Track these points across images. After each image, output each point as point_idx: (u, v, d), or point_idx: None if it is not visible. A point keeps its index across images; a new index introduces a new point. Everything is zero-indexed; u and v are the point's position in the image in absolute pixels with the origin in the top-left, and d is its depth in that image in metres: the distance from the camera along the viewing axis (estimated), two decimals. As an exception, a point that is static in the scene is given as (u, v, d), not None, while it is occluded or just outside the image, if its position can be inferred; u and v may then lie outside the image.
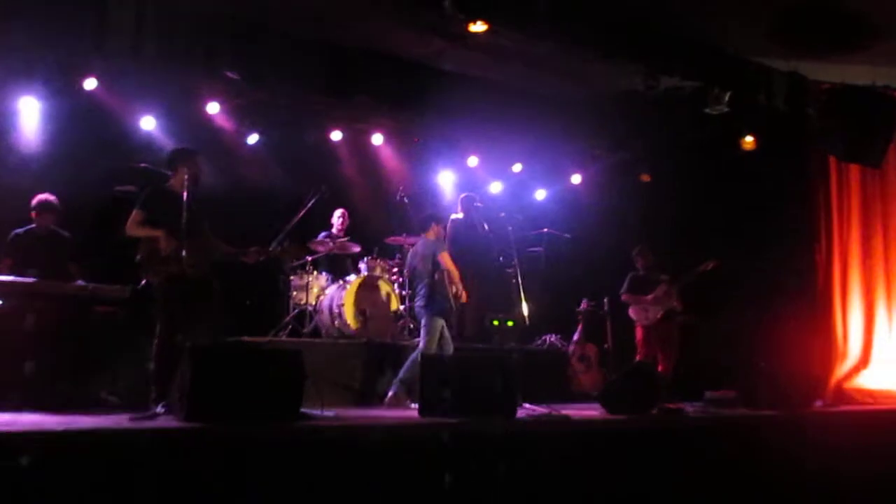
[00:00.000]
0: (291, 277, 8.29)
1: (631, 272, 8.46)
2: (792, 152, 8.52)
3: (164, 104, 7.94)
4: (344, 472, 4.35)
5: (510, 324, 8.72)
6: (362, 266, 8.34)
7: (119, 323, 6.08)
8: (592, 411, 6.38)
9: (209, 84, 7.79)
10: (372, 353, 7.53)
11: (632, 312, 8.32)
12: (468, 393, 5.48)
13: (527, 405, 6.03)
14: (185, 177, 5.59)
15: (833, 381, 8.15)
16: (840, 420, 7.04)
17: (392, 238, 8.59)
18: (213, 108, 8.13)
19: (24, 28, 6.21)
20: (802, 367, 7.60)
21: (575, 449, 5.16)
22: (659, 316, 8.17)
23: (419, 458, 4.59)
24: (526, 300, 8.17)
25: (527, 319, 8.15)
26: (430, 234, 7.20)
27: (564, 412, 5.91)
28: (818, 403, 7.56)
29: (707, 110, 7.94)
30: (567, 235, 9.55)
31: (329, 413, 5.40)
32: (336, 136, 9.18)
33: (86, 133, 7.48)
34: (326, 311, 7.95)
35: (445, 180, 10.33)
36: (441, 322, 6.91)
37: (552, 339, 9.08)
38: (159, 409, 5.04)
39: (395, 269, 8.39)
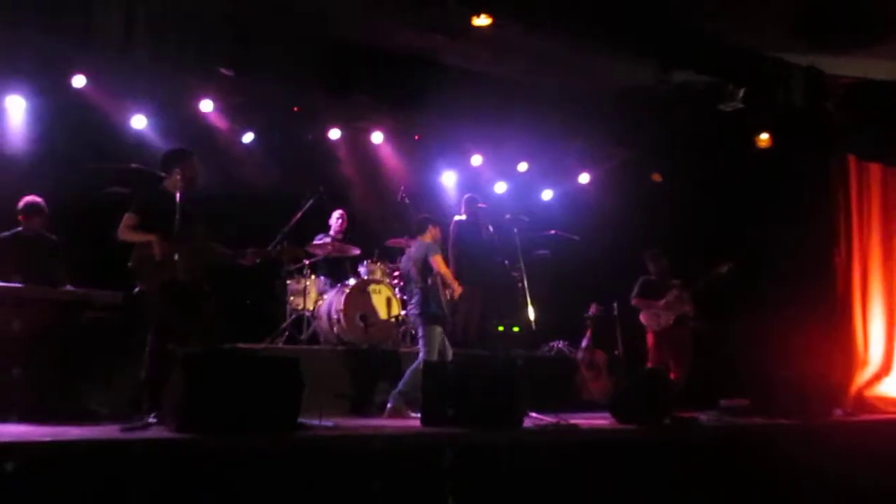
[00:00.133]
0: (288, 281, 8.30)
1: (642, 276, 8.45)
2: (809, 151, 8.51)
3: (156, 102, 7.96)
4: (343, 485, 4.36)
5: (516, 329, 8.70)
6: (362, 269, 8.35)
7: (109, 329, 6.08)
8: (601, 420, 6.38)
9: (202, 81, 7.80)
10: (373, 360, 7.54)
11: (643, 318, 8.31)
12: (472, 402, 5.48)
13: (533, 414, 6.03)
14: (179, 178, 5.60)
15: (853, 388, 8.14)
16: (861, 430, 7.03)
17: (393, 240, 8.60)
18: (206, 105, 8.15)
19: (9, 24, 6.22)
20: (821, 374, 7.59)
21: (583, 460, 5.16)
22: (671, 321, 8.17)
23: (422, 470, 4.60)
24: (532, 305, 8.18)
25: (533, 325, 8.16)
26: (427, 237, 7.14)
27: (572, 421, 5.91)
28: (838, 412, 7.55)
29: (721, 107, 7.93)
30: (575, 237, 9.55)
31: (328, 423, 5.40)
32: (334, 134, 9.19)
33: (74, 132, 7.49)
34: (325, 317, 7.96)
35: (448, 180, 10.34)
36: (438, 329, 6.87)
37: (560, 346, 9.07)
38: (151, 420, 5.03)
39: (397, 273, 8.40)
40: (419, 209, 8.34)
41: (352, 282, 8.05)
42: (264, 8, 7.05)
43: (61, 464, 3.79)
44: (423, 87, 7.90)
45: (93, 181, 7.25)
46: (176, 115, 8.09)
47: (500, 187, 10.44)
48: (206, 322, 5.71)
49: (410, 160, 9.81)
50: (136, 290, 5.67)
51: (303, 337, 8.00)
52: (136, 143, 7.85)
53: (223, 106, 8.28)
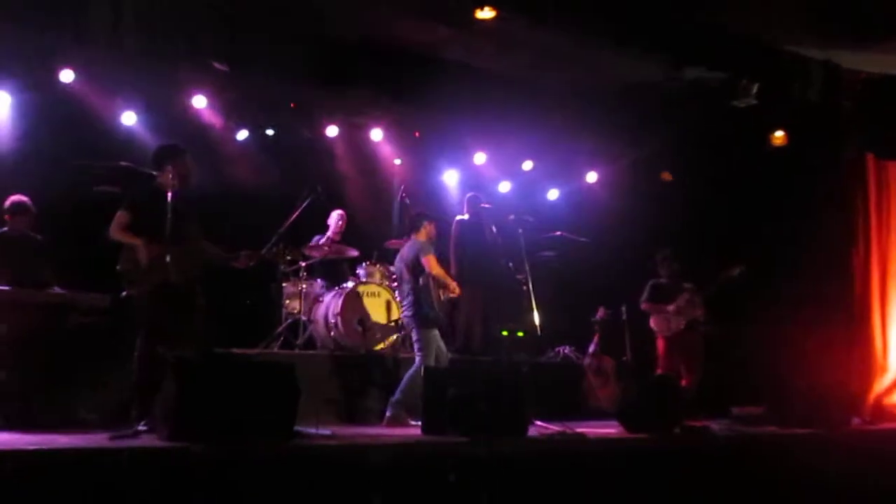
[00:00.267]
0: (284, 284, 8.30)
1: (652, 279, 8.45)
2: (825, 148, 8.51)
3: (147, 97, 7.97)
4: (341, 496, 4.36)
5: (520, 334, 8.72)
6: (361, 272, 8.35)
7: (98, 334, 6.09)
8: (610, 429, 6.38)
9: (195, 76, 7.80)
10: (371, 366, 7.54)
11: (652, 322, 8.31)
12: (475, 409, 5.48)
13: (538, 422, 6.03)
14: (171, 176, 5.61)
15: (872, 396, 8.14)
16: (880, 439, 7.03)
17: (393, 241, 8.60)
18: (199, 101, 8.15)
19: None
20: (838, 381, 7.59)
21: (591, 470, 5.16)
22: (682, 326, 8.17)
23: (422, 480, 4.60)
24: (537, 309, 8.19)
25: (538, 330, 8.16)
26: (421, 235, 7.04)
27: (579, 430, 5.91)
28: (855, 421, 7.55)
29: (734, 103, 7.93)
30: (582, 239, 9.54)
31: (325, 431, 5.41)
32: (332, 131, 9.19)
33: (61, 129, 7.50)
34: (322, 321, 7.97)
35: (450, 179, 10.35)
36: (433, 333, 6.83)
37: (566, 352, 9.07)
38: (141, 427, 5.04)
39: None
40: (419, 209, 8.33)
41: (350, 284, 8.05)
42: (258, -2, 7.07)
43: (48, 473, 3.79)
44: (425, 81, 7.91)
45: (80, 179, 7.22)
46: (167, 111, 8.10)
47: (504, 186, 10.44)
48: (198, 326, 5.71)
49: (411, 158, 9.82)
50: (125, 292, 5.68)
51: (299, 342, 8.00)
52: (126, 140, 7.86)
53: (216, 101, 8.28)
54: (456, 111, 8.52)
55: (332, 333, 7.84)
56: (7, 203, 6.49)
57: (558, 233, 9.53)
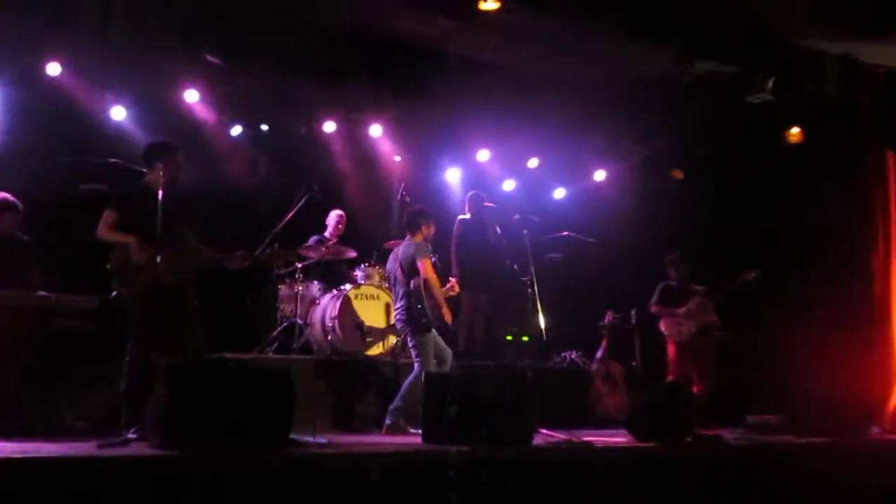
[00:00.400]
0: (279, 286, 8.31)
1: (662, 282, 8.45)
2: (844, 146, 8.51)
3: (137, 92, 7.98)
4: (338, 507, 4.36)
5: (525, 339, 8.72)
6: (359, 273, 8.35)
7: (86, 337, 6.09)
8: (618, 438, 6.38)
9: (187, 69, 7.82)
10: (370, 371, 7.54)
11: (663, 327, 8.31)
12: (477, 417, 5.47)
13: (544, 430, 6.03)
14: (161, 174, 5.61)
15: (892, 403, 8.12)
16: (900, 448, 7.02)
17: (392, 242, 8.58)
18: (191, 96, 8.17)
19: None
20: (857, 387, 7.56)
21: (598, 480, 5.15)
22: (693, 331, 8.16)
23: (423, 491, 4.59)
24: (543, 312, 8.18)
25: (544, 334, 8.16)
26: (418, 236, 6.99)
27: (586, 438, 5.91)
28: (875, 430, 7.54)
29: (748, 98, 7.93)
30: (590, 239, 9.55)
31: (322, 440, 5.41)
32: (329, 127, 9.20)
33: (48, 124, 7.51)
34: (318, 325, 7.97)
35: (452, 177, 10.35)
36: (431, 335, 6.80)
37: (573, 356, 9.07)
38: (131, 435, 5.04)
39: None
40: (418, 206, 8.32)
41: (347, 287, 8.05)
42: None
43: (33, 483, 3.79)
44: (427, 76, 7.92)
45: (68, 177, 7.25)
46: (158, 106, 8.11)
47: (509, 185, 10.45)
48: (190, 330, 5.71)
49: (411, 155, 9.82)
50: (115, 294, 5.68)
51: (294, 346, 8.00)
52: (116, 136, 7.87)
53: (209, 96, 8.30)
54: (458, 106, 8.52)
55: (330, 338, 7.84)
56: (-7, 201, 6.50)
57: (565, 233, 9.55)
